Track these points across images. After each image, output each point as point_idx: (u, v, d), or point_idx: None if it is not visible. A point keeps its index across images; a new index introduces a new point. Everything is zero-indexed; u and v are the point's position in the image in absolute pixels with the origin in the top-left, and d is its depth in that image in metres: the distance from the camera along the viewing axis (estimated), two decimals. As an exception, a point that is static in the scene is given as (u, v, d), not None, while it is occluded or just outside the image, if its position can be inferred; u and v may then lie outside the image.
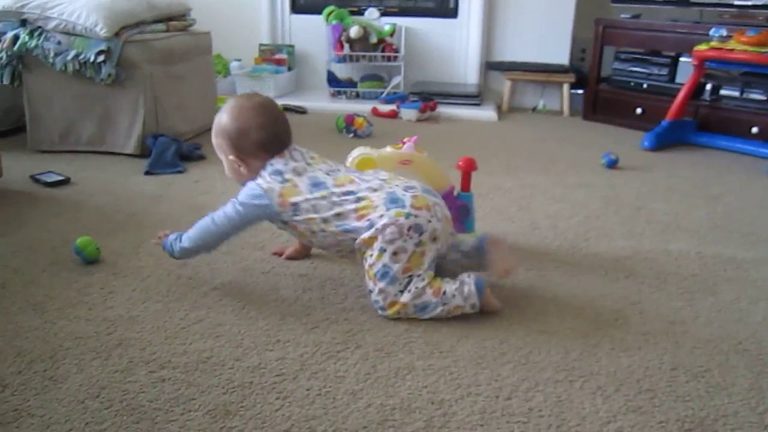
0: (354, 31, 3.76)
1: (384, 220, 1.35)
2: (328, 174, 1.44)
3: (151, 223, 1.89)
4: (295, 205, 1.40)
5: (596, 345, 1.31)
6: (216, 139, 1.52)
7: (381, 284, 1.36)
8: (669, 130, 3.06)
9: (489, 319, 1.40)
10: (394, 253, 1.35)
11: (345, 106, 3.69)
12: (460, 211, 1.72)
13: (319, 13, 3.96)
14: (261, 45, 4.11)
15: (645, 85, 3.49)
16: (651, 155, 2.92)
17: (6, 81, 2.59)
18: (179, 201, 2.09)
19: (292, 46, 4.10)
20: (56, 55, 2.51)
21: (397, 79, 3.87)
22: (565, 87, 3.82)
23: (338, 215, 1.39)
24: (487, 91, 4.08)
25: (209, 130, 2.98)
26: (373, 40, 3.83)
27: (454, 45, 4.04)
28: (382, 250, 1.35)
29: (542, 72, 3.85)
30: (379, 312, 1.39)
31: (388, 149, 1.70)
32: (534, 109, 3.97)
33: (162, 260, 1.63)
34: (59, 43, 2.51)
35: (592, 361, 1.26)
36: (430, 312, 1.37)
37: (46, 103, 2.61)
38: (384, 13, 3.99)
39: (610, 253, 1.79)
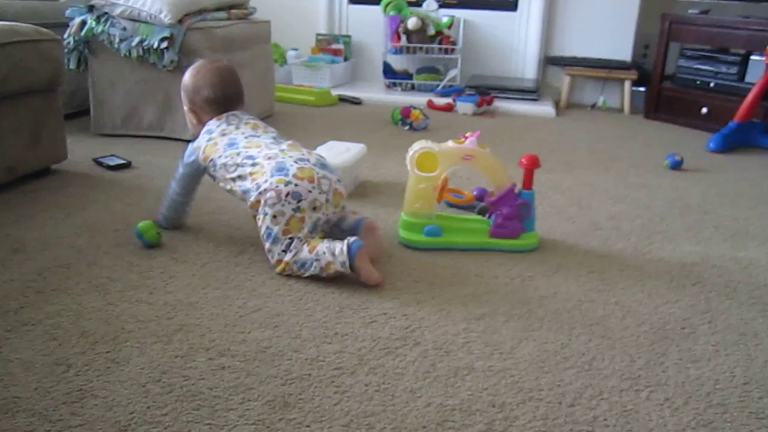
0: (412, 23, 3.73)
1: (265, 185, 1.49)
2: (246, 138, 1.62)
3: (210, 210, 1.91)
4: (212, 161, 1.61)
5: (663, 354, 1.26)
6: (181, 93, 1.76)
7: (267, 244, 1.51)
8: (737, 132, 2.94)
9: (550, 321, 1.36)
10: (274, 216, 1.49)
11: (400, 97, 3.67)
12: (521, 208, 1.68)
13: (377, 3, 3.94)
14: (318, 35, 4.12)
15: (712, 84, 3.37)
16: (717, 157, 2.81)
17: (72, 66, 2.65)
18: (237, 188, 2.10)
19: (348, 37, 4.10)
20: (121, 40, 2.55)
21: (454, 72, 3.83)
22: (627, 84, 3.71)
23: (240, 177, 1.56)
24: (545, 86, 4.00)
25: (268, 117, 3.03)
26: (431, 32, 3.79)
27: (513, 39, 3.97)
28: (265, 213, 1.50)
29: (603, 68, 3.75)
30: (277, 272, 1.51)
31: (450, 144, 1.68)
32: (593, 106, 3.88)
33: (220, 247, 1.65)
34: (124, 29, 2.56)
35: (659, 370, 1.21)
36: (308, 269, 1.47)
37: (109, 87, 2.67)
38: (442, 5, 3.95)
39: (676, 258, 1.72)
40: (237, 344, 1.23)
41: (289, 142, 1.64)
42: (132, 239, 1.67)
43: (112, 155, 2.36)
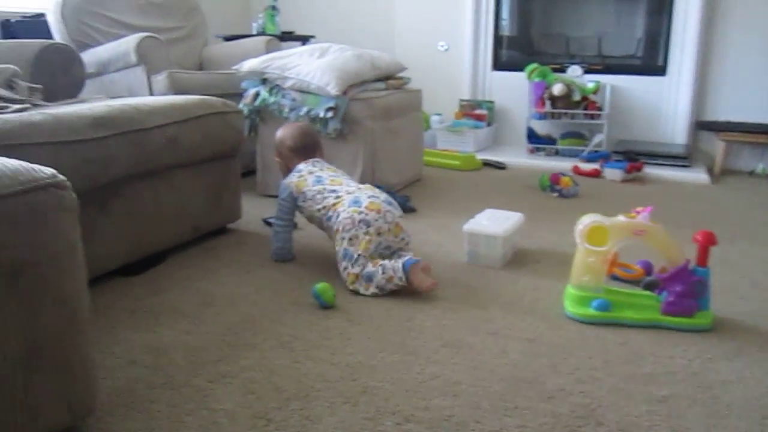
0: (558, 89, 3.76)
1: (344, 214, 1.88)
2: (330, 177, 2.05)
3: (375, 273, 2.00)
4: (303, 193, 2.02)
5: None
6: (274, 148, 2.26)
7: (343, 263, 1.87)
8: None
9: (739, 409, 1.30)
10: (350, 239, 1.86)
11: (543, 162, 3.68)
12: (696, 286, 1.63)
13: (520, 70, 4.02)
14: (461, 100, 4.24)
15: None
16: None
17: (245, 132, 2.89)
18: (396, 252, 2.19)
19: (491, 102, 4.19)
20: (291, 110, 2.77)
21: (600, 137, 3.79)
22: (790, 150, 3.51)
23: (325, 207, 1.95)
24: (696, 151, 3.86)
25: (417, 181, 3.14)
26: (576, 97, 3.80)
27: (662, 103, 3.89)
28: (342, 238, 1.88)
29: (762, 133, 3.57)
30: (349, 286, 1.85)
31: (621, 218, 1.67)
32: (752, 173, 3.69)
33: (391, 311, 1.72)
34: (294, 99, 2.78)
35: None
36: (374, 280, 1.80)
37: (276, 152, 2.88)
38: (587, 71, 3.95)
39: None
40: (421, 411, 1.27)
41: (366, 184, 2.06)
42: (307, 298, 1.79)
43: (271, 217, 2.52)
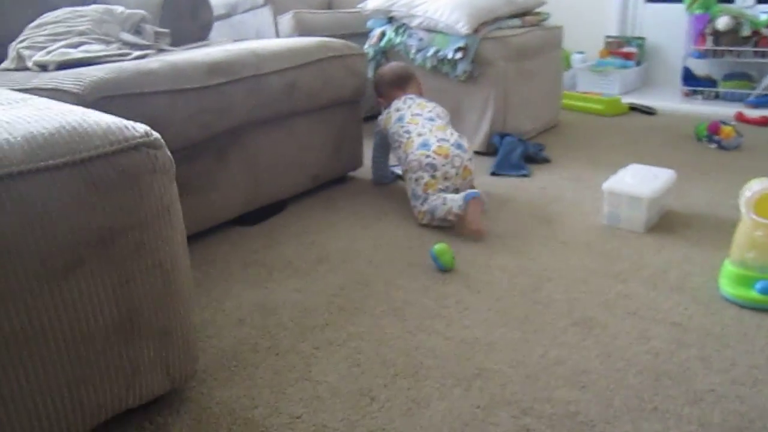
0: (722, 23, 3.29)
1: (411, 156, 1.93)
2: (411, 116, 2.05)
3: (498, 232, 1.84)
4: (387, 129, 2.11)
5: None
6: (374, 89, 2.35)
7: (412, 201, 1.94)
8: None
9: None
10: (416, 180, 1.92)
11: (700, 107, 3.28)
12: None
13: (678, 1, 3.56)
14: (607, 37, 3.85)
15: None
16: None
17: (369, 75, 2.76)
18: (524, 209, 2.01)
19: (642, 39, 3.76)
20: (417, 51, 2.60)
21: (772, 79, 3.30)
22: None
23: (399, 145, 2.02)
24: None
25: (553, 127, 2.90)
26: (746, 32, 3.31)
27: None
28: (411, 178, 1.94)
29: None
30: (420, 222, 1.91)
31: (802, 185, 1.39)
32: None
33: (515, 279, 1.56)
34: (421, 39, 2.60)
35: None
36: (437, 213, 1.84)
37: (402, 96, 2.74)
38: (762, 0, 3.42)
39: None
40: (541, 402, 1.13)
41: (438, 123, 2.02)
42: (425, 259, 1.67)
43: (397, 165, 2.40)
